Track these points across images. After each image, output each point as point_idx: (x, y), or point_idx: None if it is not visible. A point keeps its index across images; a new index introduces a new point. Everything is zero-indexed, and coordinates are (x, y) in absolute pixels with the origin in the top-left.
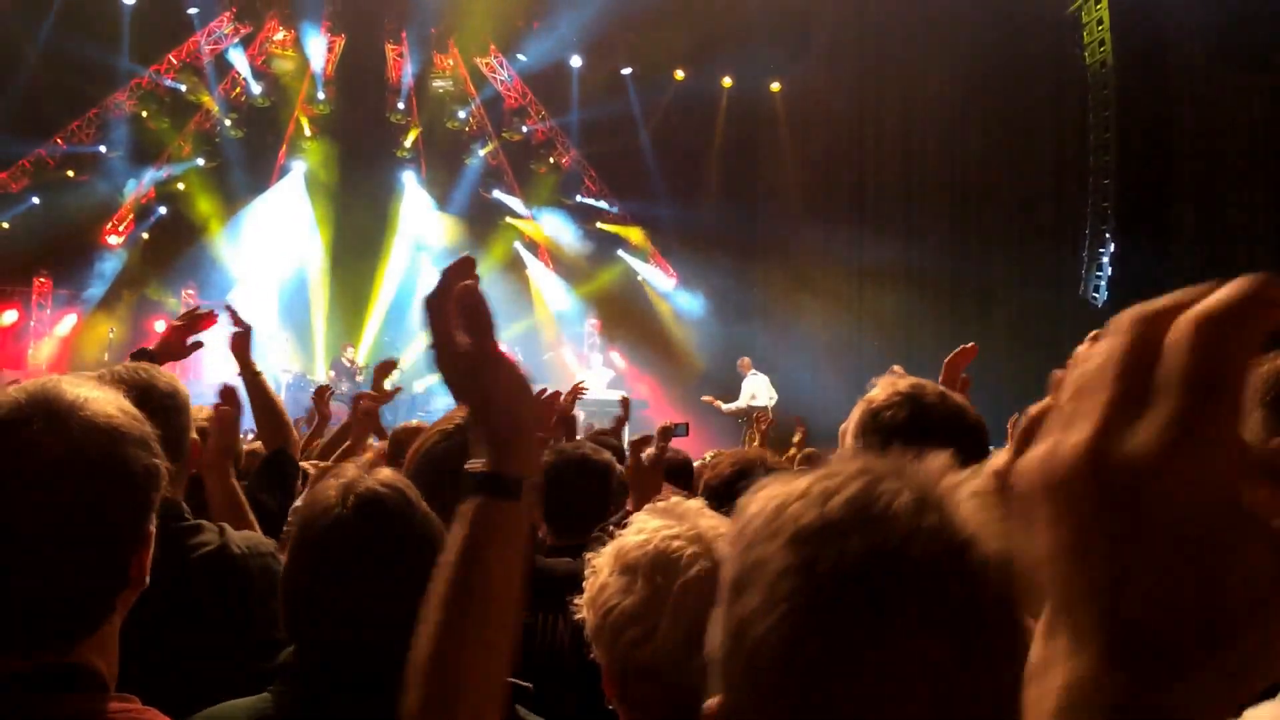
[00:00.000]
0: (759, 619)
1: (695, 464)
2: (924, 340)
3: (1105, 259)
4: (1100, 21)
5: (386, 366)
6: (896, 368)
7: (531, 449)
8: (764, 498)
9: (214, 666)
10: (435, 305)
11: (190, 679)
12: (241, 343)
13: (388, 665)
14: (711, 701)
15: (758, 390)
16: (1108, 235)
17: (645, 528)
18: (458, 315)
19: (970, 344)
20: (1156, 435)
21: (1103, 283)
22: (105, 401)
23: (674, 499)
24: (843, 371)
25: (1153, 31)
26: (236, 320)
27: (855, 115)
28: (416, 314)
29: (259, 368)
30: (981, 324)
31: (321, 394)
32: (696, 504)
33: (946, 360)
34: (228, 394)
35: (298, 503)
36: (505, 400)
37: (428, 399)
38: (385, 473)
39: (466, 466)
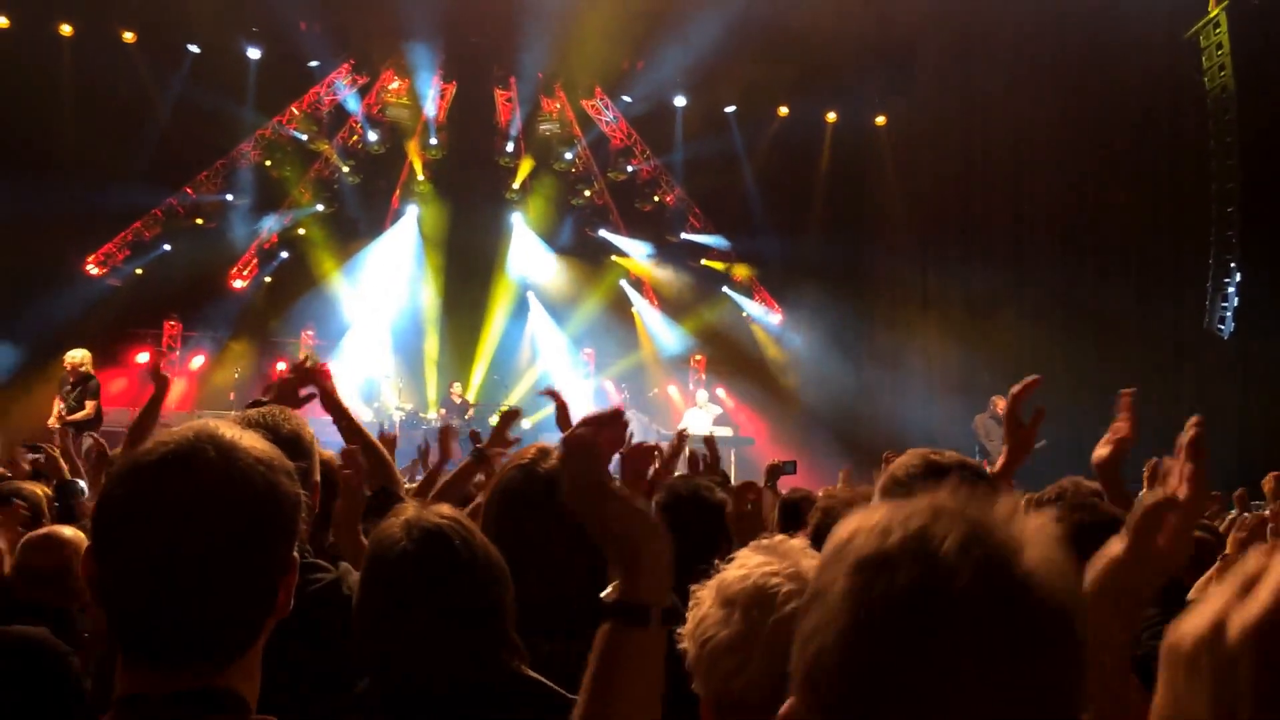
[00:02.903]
0: (816, 636)
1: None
2: (1040, 374)
3: (1231, 289)
4: (1220, 46)
5: (512, 415)
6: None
7: (662, 578)
8: (845, 526)
9: (309, 698)
10: (577, 447)
11: (284, 708)
12: (326, 397)
13: (461, 689)
14: (786, 705)
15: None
16: (1233, 265)
17: (747, 563)
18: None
19: (1034, 376)
20: None
21: (1229, 313)
22: (254, 436)
23: (778, 537)
24: (955, 406)
25: (1275, 54)
26: (306, 373)
27: (962, 147)
28: (526, 354)
29: (351, 411)
30: (1101, 357)
31: (446, 433)
32: (800, 543)
33: (1011, 392)
34: (349, 456)
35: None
36: (626, 529)
37: (535, 435)
38: (444, 507)
39: (601, 595)
